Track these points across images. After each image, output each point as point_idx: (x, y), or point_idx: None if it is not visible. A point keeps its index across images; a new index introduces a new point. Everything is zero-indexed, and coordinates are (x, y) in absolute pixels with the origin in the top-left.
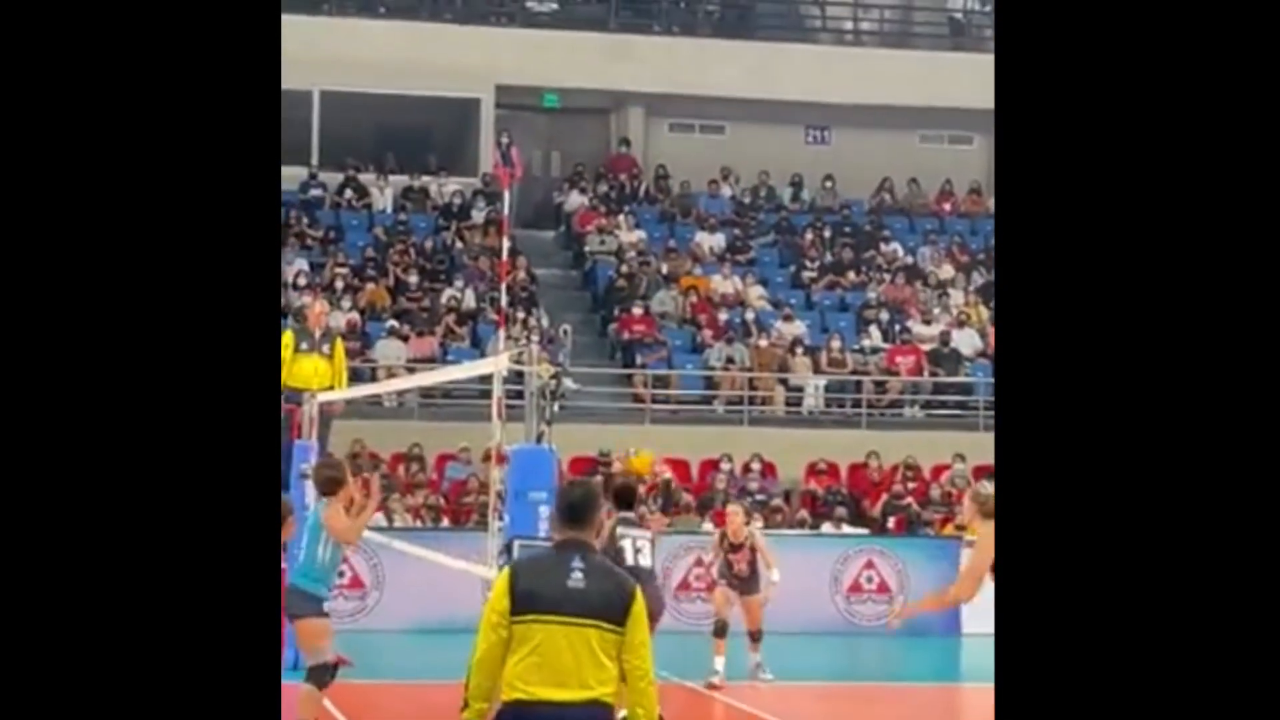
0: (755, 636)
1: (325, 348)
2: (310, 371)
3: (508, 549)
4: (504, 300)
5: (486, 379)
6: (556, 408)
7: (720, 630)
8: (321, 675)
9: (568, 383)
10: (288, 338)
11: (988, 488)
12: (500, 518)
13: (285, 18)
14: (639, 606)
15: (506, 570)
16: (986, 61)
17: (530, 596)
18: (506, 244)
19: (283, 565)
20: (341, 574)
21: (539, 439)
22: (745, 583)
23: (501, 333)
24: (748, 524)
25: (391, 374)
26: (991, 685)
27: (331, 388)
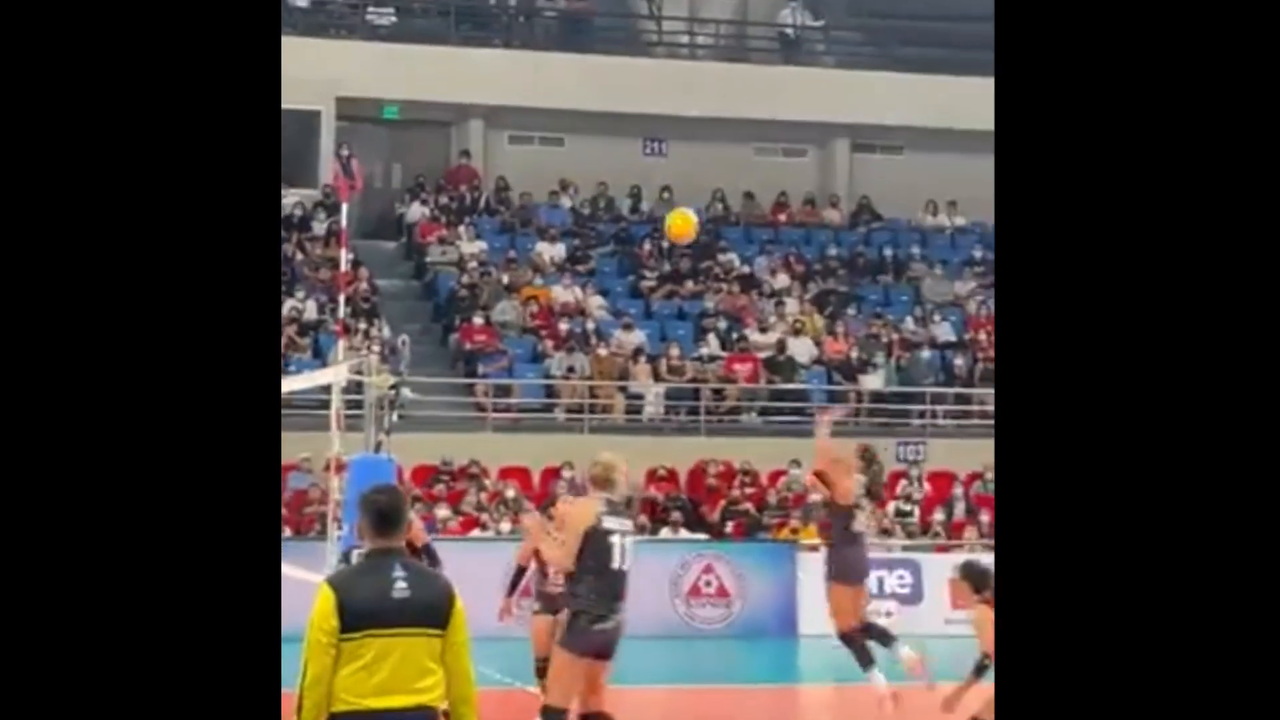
0: None
1: None
2: None
3: (346, 558)
4: (343, 311)
5: (327, 389)
6: (395, 417)
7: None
8: None
9: (406, 392)
10: None
11: (978, 565)
12: (340, 527)
13: None
14: (459, 608)
15: (326, 588)
16: (819, 75)
17: (358, 614)
18: (346, 255)
19: None
20: None
21: (378, 448)
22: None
23: (342, 343)
24: None
25: None
26: (829, 685)
27: None
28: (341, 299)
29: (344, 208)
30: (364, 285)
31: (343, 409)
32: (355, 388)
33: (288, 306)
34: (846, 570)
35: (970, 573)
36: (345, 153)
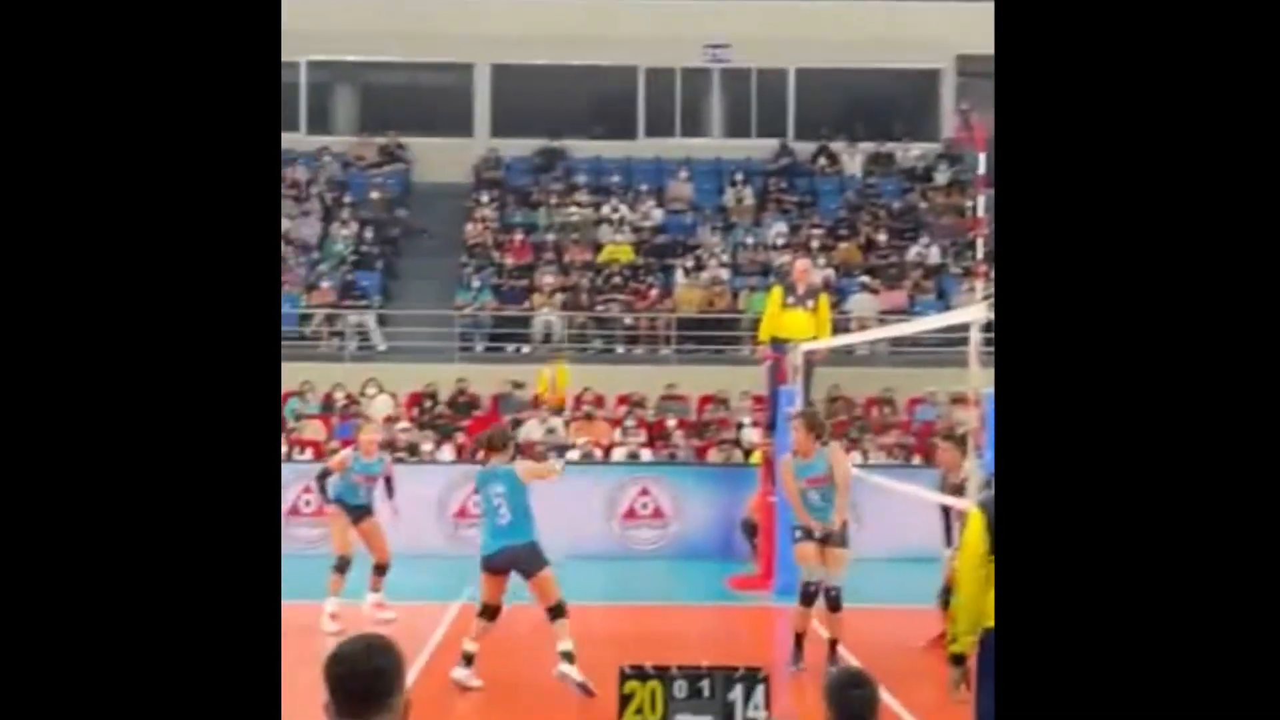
0: None
1: (809, 303)
2: (796, 324)
3: (987, 486)
4: (980, 254)
5: (952, 328)
6: None
7: None
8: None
9: None
10: (776, 294)
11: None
12: (980, 455)
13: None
14: None
15: (979, 512)
16: None
17: None
18: (982, 201)
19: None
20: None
21: None
22: None
23: (979, 284)
24: None
25: (864, 325)
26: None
27: (815, 338)
28: (979, 243)
29: (981, 157)
30: (985, 230)
31: (981, 346)
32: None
33: (912, 252)
34: None
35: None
36: (965, 107)
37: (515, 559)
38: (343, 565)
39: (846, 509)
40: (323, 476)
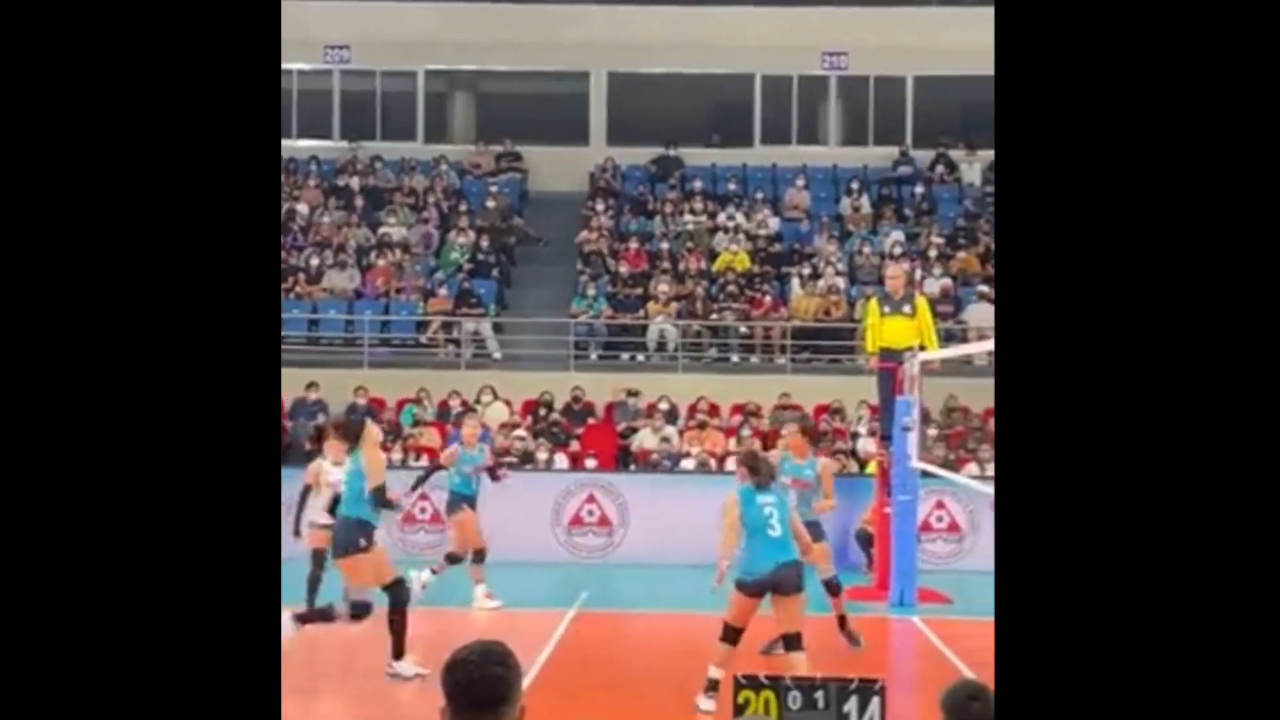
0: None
1: (906, 308)
2: (899, 331)
3: None
4: None
5: None
6: None
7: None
8: None
9: None
10: (873, 304)
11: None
12: None
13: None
14: None
15: None
16: None
17: None
18: None
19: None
20: (940, 519)
21: None
22: None
23: None
24: None
25: (982, 335)
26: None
27: (923, 346)
28: None
29: None
30: None
31: None
32: None
33: None
34: None
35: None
36: None
37: None
38: (480, 556)
39: (825, 509)
40: (426, 475)
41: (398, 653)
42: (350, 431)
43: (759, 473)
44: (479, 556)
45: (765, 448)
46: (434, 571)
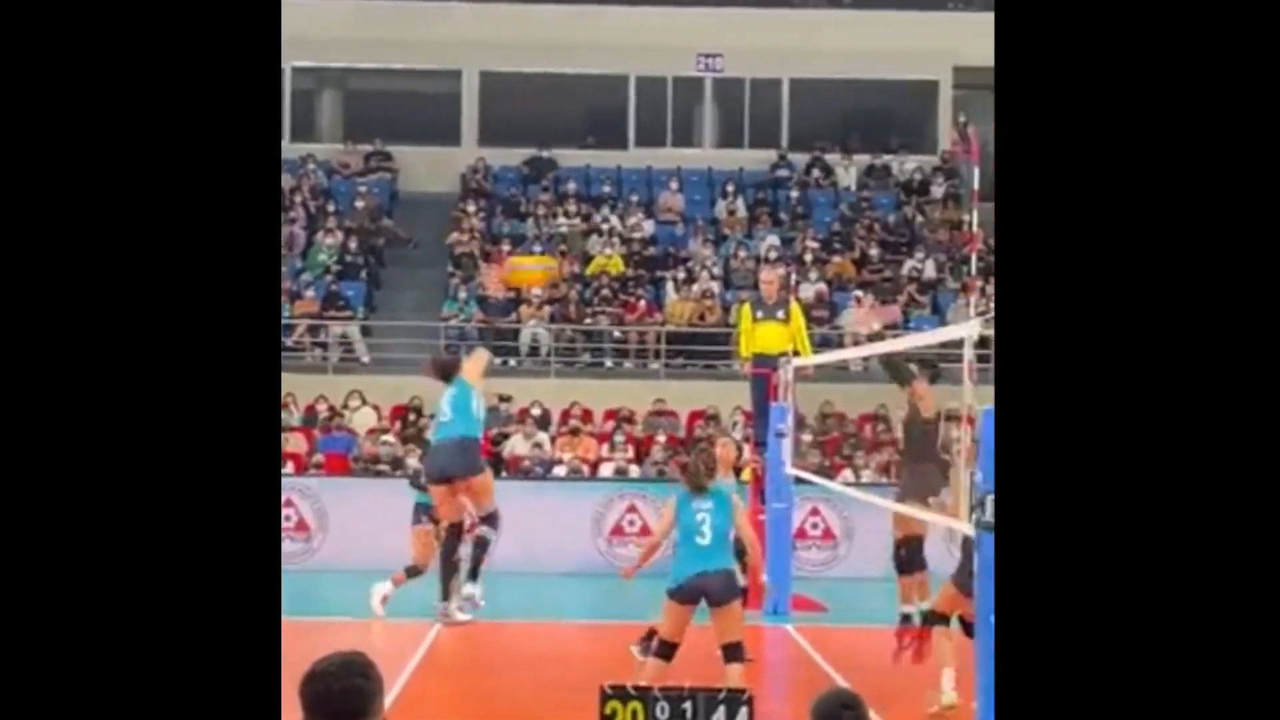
0: None
1: (780, 313)
2: (771, 337)
3: (981, 504)
4: (974, 269)
5: (946, 344)
6: None
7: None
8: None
9: None
10: (745, 309)
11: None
12: (976, 473)
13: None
14: None
15: None
16: None
17: None
18: (976, 217)
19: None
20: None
21: None
22: None
23: (972, 299)
24: None
25: (856, 341)
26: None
27: (798, 352)
28: (973, 259)
29: (975, 171)
30: (980, 245)
31: (975, 363)
32: (979, 343)
33: (907, 266)
34: None
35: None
36: (963, 120)
37: None
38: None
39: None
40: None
41: (474, 573)
42: (447, 366)
43: (694, 477)
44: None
45: (639, 455)
46: (395, 583)
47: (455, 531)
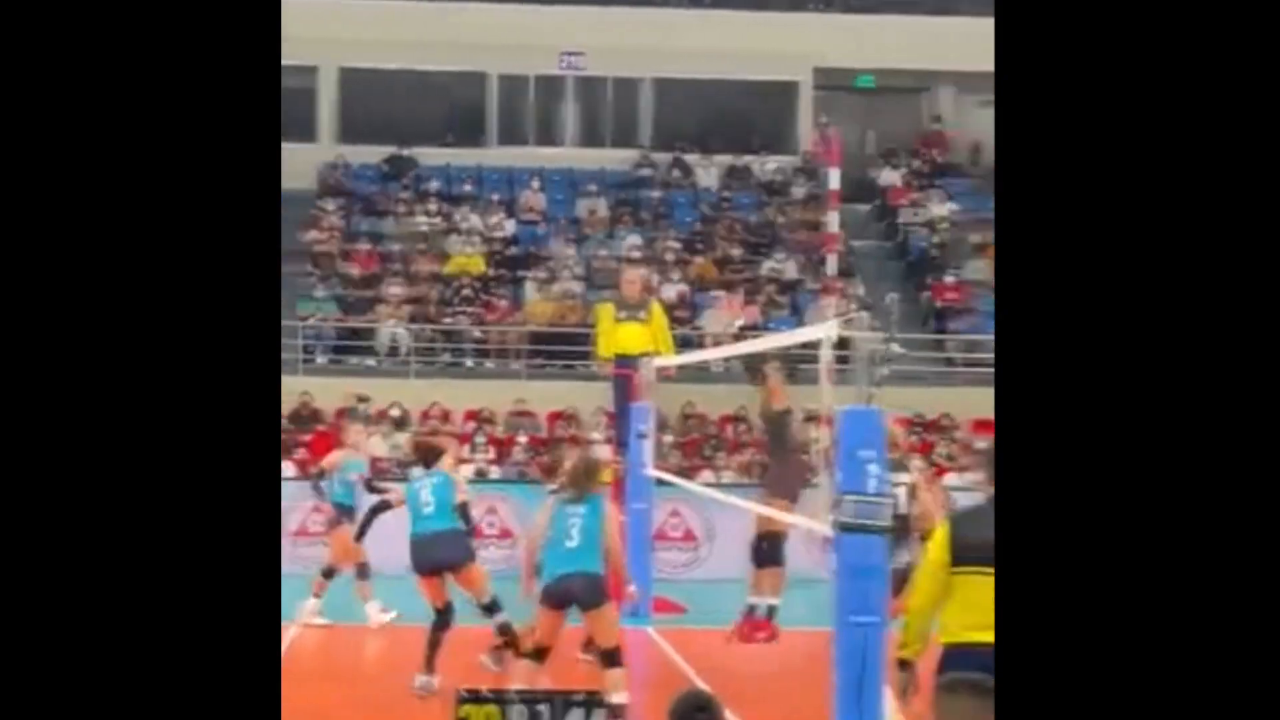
0: None
1: (641, 314)
2: (632, 338)
3: (837, 504)
4: (832, 270)
5: (807, 345)
6: (885, 371)
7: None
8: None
9: (895, 348)
10: (606, 309)
11: None
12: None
13: (624, 9)
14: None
15: (945, 524)
16: None
17: (969, 547)
18: (835, 217)
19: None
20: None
21: (869, 400)
22: None
23: (832, 300)
24: None
25: (718, 341)
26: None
27: (659, 352)
28: (832, 259)
29: (833, 173)
30: (840, 246)
31: (833, 363)
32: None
33: (767, 267)
34: None
35: None
36: (823, 121)
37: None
38: (363, 570)
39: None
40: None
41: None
42: (431, 452)
43: (575, 480)
44: (363, 572)
45: (500, 456)
46: (316, 595)
47: (448, 612)
